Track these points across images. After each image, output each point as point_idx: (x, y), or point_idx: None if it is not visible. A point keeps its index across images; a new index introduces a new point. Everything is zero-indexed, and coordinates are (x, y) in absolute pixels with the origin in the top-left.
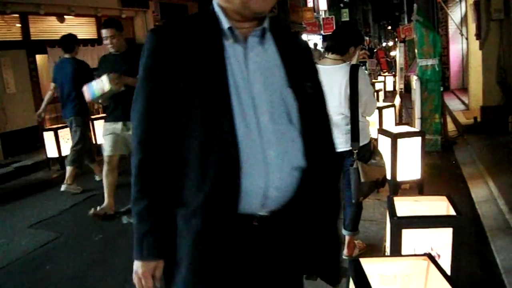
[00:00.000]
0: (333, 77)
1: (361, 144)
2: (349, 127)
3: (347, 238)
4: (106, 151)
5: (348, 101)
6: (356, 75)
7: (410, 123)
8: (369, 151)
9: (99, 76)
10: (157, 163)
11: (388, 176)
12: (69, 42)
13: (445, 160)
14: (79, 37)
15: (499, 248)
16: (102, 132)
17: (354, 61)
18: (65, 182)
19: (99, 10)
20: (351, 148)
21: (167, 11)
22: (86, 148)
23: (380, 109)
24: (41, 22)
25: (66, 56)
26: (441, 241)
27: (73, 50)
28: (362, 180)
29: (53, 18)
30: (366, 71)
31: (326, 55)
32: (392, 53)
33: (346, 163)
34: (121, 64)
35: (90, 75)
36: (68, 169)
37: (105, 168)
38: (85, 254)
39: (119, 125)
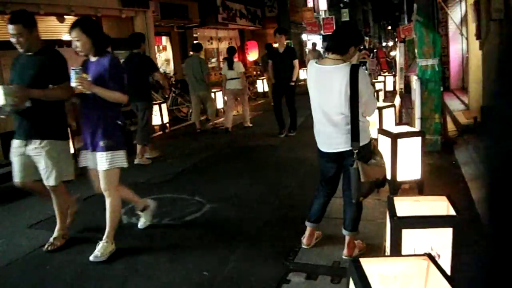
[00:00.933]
0: (333, 77)
1: (361, 144)
2: (349, 127)
3: (347, 238)
4: (15, 177)
5: (348, 101)
6: (356, 75)
7: (410, 123)
8: (369, 151)
9: (11, 81)
10: None
11: (388, 176)
12: (136, 39)
13: (445, 160)
14: None
15: None
16: (10, 151)
17: (354, 61)
18: (136, 156)
19: (99, 10)
20: (351, 148)
21: (167, 11)
22: (150, 128)
23: (380, 109)
24: (41, 22)
25: (134, 51)
26: (441, 241)
27: (140, 47)
28: (362, 179)
29: (53, 18)
30: (366, 71)
31: (326, 55)
32: (392, 53)
33: (346, 163)
34: (29, 68)
35: (153, 66)
36: (139, 147)
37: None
38: (85, 254)
39: (24, 144)
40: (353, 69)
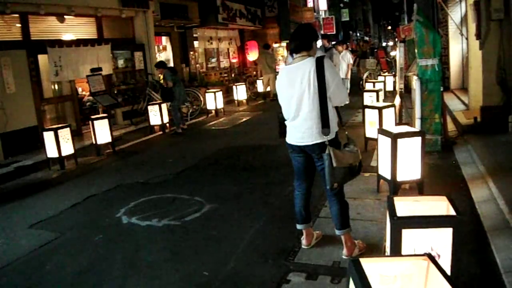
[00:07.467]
0: (302, 71)
1: (329, 138)
2: (319, 119)
3: (343, 237)
4: None
5: (317, 91)
6: (322, 65)
7: (410, 123)
8: (337, 144)
9: None
10: None
11: (388, 176)
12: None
13: (445, 160)
14: (79, 37)
15: (499, 248)
16: None
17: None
18: None
19: (99, 10)
20: (320, 141)
21: (167, 11)
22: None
23: (380, 109)
24: (41, 22)
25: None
26: (441, 241)
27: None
28: (335, 165)
29: (53, 18)
30: (332, 62)
31: (295, 56)
32: (392, 53)
33: (317, 156)
34: None
35: None
36: None
37: None
38: (85, 254)
39: None
40: (318, 60)
